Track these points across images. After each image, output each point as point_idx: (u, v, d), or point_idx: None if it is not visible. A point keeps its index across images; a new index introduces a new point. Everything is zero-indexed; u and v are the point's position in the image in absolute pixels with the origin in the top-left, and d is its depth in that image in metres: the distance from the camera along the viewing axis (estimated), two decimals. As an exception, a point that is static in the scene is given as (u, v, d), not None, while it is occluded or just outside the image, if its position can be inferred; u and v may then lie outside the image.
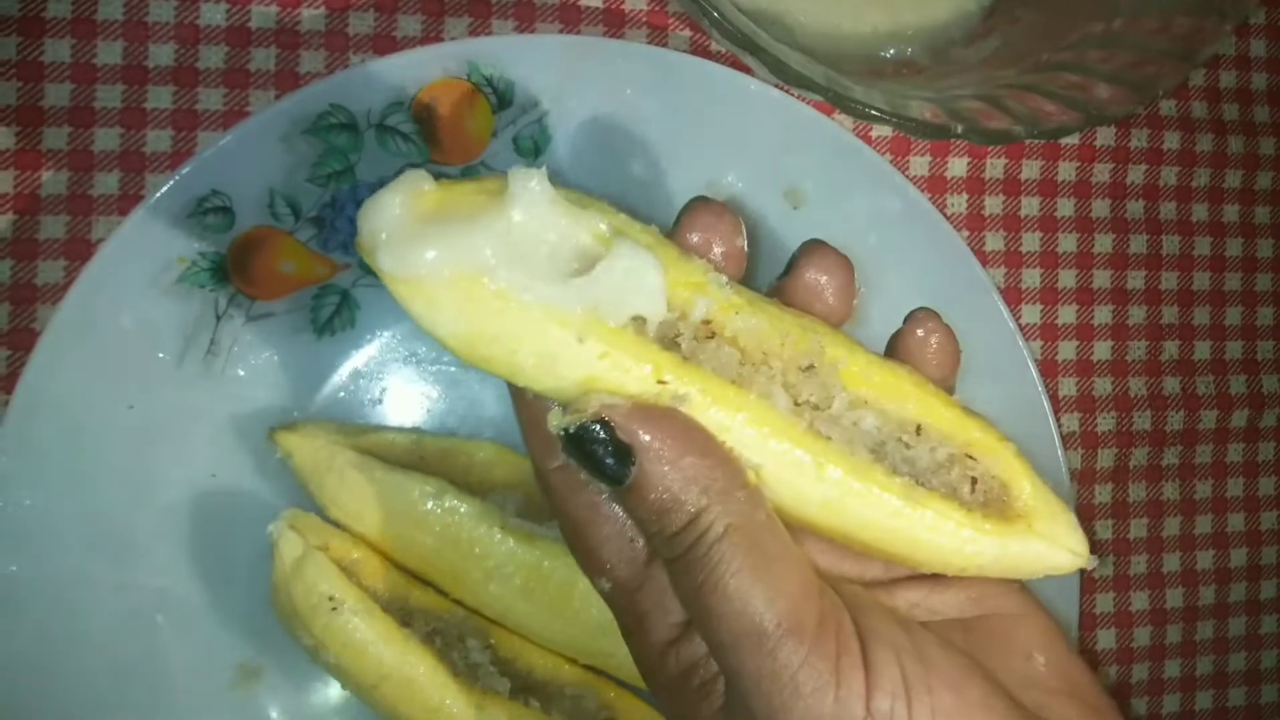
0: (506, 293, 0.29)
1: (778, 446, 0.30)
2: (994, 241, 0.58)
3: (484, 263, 0.29)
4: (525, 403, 0.32)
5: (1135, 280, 0.61)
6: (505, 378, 0.30)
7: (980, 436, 0.34)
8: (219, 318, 0.47)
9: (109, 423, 0.46)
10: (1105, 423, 0.60)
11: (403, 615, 0.45)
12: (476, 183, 0.31)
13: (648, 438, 0.29)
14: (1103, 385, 0.60)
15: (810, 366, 0.32)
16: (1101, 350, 0.60)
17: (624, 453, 0.29)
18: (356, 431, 0.48)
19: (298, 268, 0.48)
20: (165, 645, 0.47)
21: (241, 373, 0.48)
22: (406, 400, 0.50)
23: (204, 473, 0.48)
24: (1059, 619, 0.50)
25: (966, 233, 0.58)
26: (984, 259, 0.58)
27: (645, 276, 0.30)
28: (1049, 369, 0.59)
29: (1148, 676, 0.60)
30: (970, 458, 0.34)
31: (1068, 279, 0.59)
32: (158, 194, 0.45)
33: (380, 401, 0.50)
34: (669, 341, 0.31)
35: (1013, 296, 0.58)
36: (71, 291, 0.45)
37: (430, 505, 0.45)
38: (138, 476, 0.46)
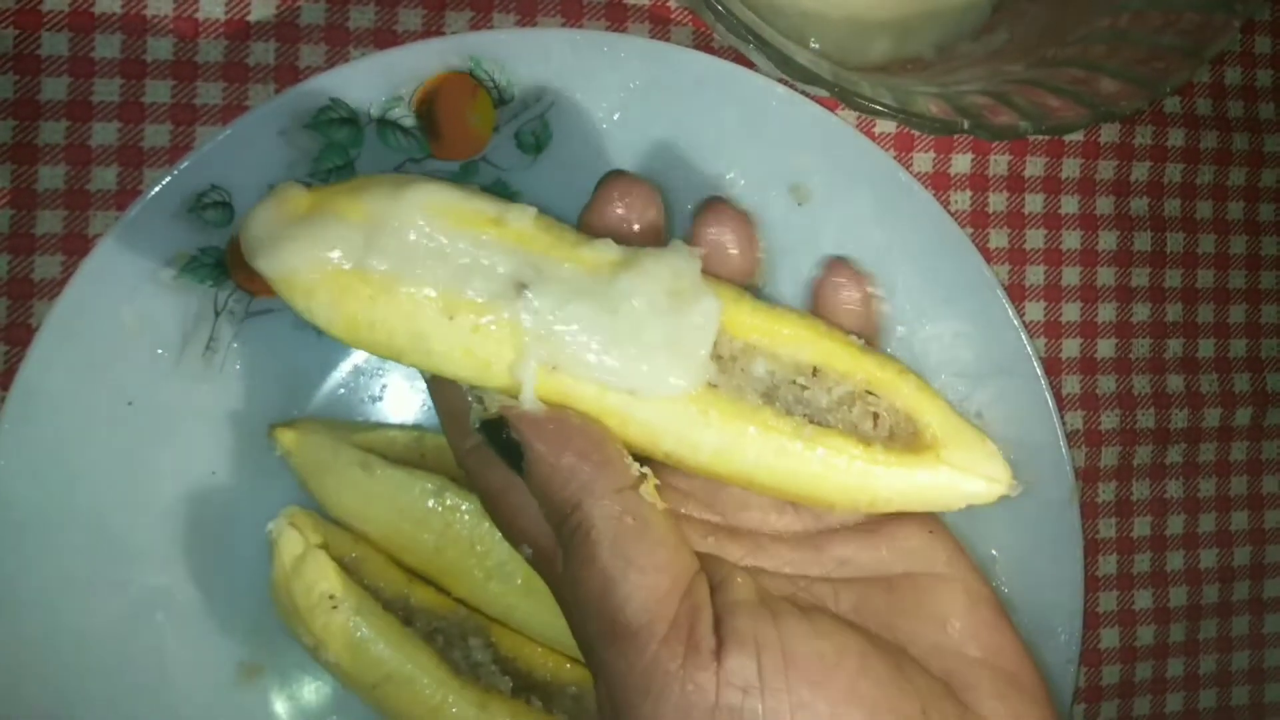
0: (374, 280, 0.30)
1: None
2: (998, 238, 0.58)
3: (347, 255, 0.30)
4: (440, 389, 0.35)
5: (1139, 278, 0.60)
6: (392, 359, 0.32)
7: (879, 373, 0.34)
8: (218, 314, 0.47)
9: (107, 419, 0.45)
10: (1109, 420, 0.60)
11: (403, 614, 0.44)
12: (346, 184, 0.32)
13: (532, 438, 0.31)
14: (1106, 383, 0.60)
15: None
16: (1105, 348, 0.60)
17: (516, 449, 0.32)
18: (357, 429, 0.48)
19: (297, 263, 0.48)
20: (164, 644, 0.46)
21: (241, 369, 0.47)
22: (407, 397, 0.50)
23: (203, 470, 0.47)
24: (1064, 614, 0.50)
25: (970, 229, 0.57)
26: (988, 256, 0.57)
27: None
28: (1053, 366, 0.59)
29: (1151, 675, 0.60)
30: (871, 394, 0.34)
31: (1071, 276, 0.59)
32: (156, 189, 0.45)
33: (381, 398, 0.50)
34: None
35: (1017, 294, 0.58)
36: (69, 287, 0.44)
37: (431, 503, 0.45)
38: (136, 474, 0.46)
